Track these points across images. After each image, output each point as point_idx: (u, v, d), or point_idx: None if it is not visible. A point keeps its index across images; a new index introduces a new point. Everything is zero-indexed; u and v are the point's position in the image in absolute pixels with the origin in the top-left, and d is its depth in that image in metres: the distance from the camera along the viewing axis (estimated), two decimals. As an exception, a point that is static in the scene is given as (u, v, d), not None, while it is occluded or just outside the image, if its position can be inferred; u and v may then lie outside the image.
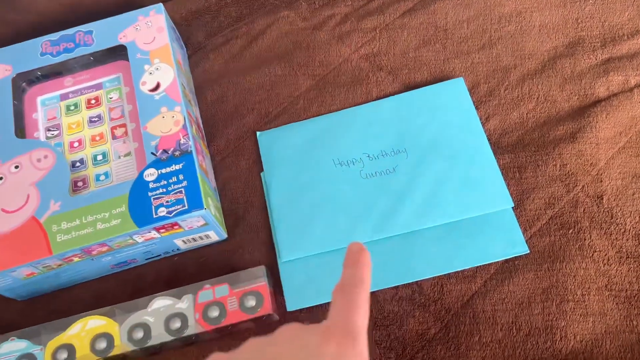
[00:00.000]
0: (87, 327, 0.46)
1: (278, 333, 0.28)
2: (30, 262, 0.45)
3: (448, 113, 0.53)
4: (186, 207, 0.45)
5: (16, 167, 0.48)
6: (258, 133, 0.55)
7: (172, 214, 0.45)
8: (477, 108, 0.53)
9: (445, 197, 0.49)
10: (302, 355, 0.26)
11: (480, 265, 0.47)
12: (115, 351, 0.45)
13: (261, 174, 0.53)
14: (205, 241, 0.50)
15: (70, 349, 0.45)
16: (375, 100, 0.55)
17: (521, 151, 0.51)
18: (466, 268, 0.47)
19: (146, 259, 0.50)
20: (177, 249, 0.50)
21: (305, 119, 0.55)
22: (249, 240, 0.51)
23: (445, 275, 0.47)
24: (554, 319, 0.44)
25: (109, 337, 0.45)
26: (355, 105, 0.55)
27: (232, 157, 0.55)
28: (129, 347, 0.45)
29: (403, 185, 0.50)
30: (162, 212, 0.45)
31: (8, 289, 0.47)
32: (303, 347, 0.26)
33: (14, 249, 0.45)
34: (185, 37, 0.60)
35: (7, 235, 0.45)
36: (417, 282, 0.47)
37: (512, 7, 0.58)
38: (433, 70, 0.56)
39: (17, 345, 0.46)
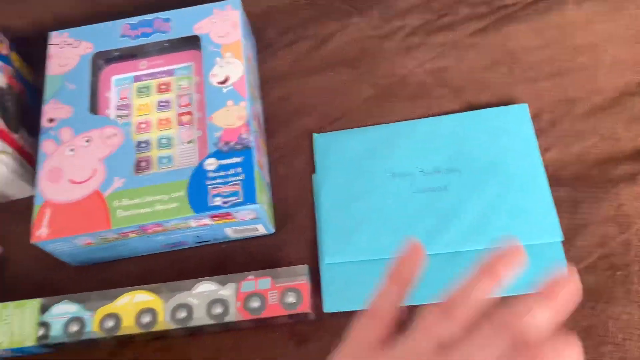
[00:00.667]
0: (134, 300, 0.48)
1: None
2: (90, 233, 0.47)
3: (508, 138, 0.53)
4: (241, 200, 0.47)
5: (87, 141, 0.51)
6: (315, 135, 0.56)
7: (227, 205, 0.47)
8: (537, 137, 0.53)
9: (494, 222, 0.49)
10: None
11: (522, 295, 0.46)
12: (158, 327, 0.47)
13: (313, 175, 0.54)
14: (253, 233, 0.52)
15: (117, 318, 0.48)
16: (435, 115, 0.56)
17: (578, 186, 0.50)
18: (506, 295, 0.47)
19: (195, 243, 0.52)
20: (226, 237, 0.52)
21: (364, 126, 0.56)
22: (294, 238, 0.52)
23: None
24: (591, 359, 0.44)
25: (153, 313, 0.48)
26: (414, 119, 0.56)
27: (288, 155, 0.56)
28: (171, 325, 0.47)
29: (453, 204, 0.50)
30: (218, 201, 0.47)
31: (65, 254, 0.50)
32: None
33: (77, 218, 0.48)
34: (256, 33, 0.62)
35: (72, 205, 0.48)
36: (455, 302, 0.47)
37: (587, 39, 0.57)
38: (497, 93, 0.56)
39: (69, 307, 0.49)
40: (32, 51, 0.60)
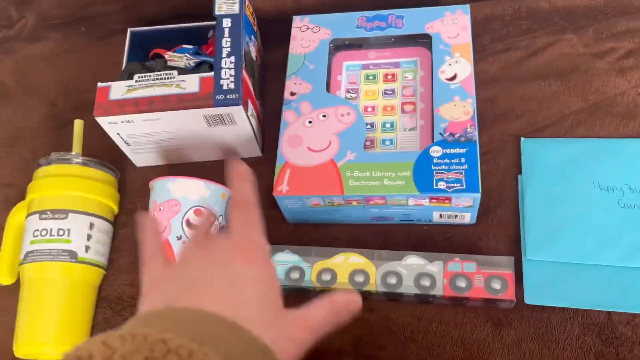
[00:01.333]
0: (349, 261, 0.55)
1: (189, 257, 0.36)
2: (323, 195, 0.54)
3: None
4: (464, 187, 0.51)
5: (324, 115, 0.58)
6: (523, 139, 0.60)
7: (451, 190, 0.51)
8: None
9: None
10: (223, 274, 0.32)
11: None
12: (369, 288, 0.53)
13: (519, 176, 0.58)
14: (457, 220, 0.56)
15: (333, 273, 0.54)
16: (644, 137, 0.57)
17: None
18: None
19: (400, 220, 0.58)
20: (430, 220, 0.57)
21: (571, 137, 0.59)
22: (495, 231, 0.56)
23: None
24: None
25: (365, 274, 0.54)
26: (622, 137, 0.58)
27: (493, 153, 0.60)
28: (381, 288, 0.53)
29: (660, 224, 0.52)
30: (442, 185, 0.52)
31: (291, 211, 0.58)
32: (222, 267, 0.33)
33: (312, 181, 0.54)
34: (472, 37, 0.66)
35: (310, 169, 0.55)
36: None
37: None
38: None
39: (290, 257, 0.56)
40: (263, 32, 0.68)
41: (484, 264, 0.52)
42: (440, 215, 0.56)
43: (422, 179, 0.53)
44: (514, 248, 0.55)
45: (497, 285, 0.51)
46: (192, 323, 0.27)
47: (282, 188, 0.55)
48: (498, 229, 0.56)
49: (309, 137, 0.57)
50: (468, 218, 0.56)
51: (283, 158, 0.56)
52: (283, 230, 0.60)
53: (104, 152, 0.63)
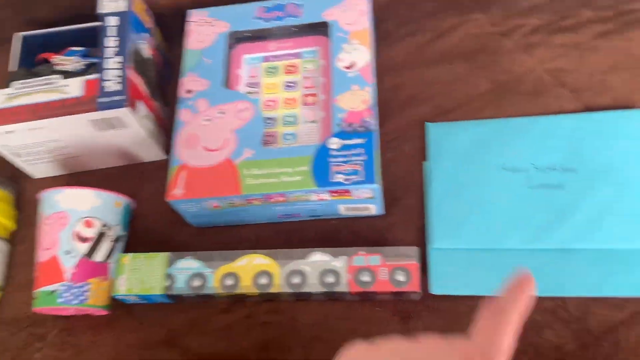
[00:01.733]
0: (253, 263, 0.52)
1: (422, 342, 0.29)
2: (221, 197, 0.51)
3: (628, 142, 0.52)
4: (362, 179, 0.49)
5: (221, 112, 0.55)
6: (428, 124, 0.58)
7: (348, 182, 0.49)
8: (659, 143, 0.52)
9: (610, 223, 0.49)
10: None
11: (633, 297, 0.47)
12: (273, 289, 0.51)
13: (424, 162, 0.56)
14: (364, 212, 0.55)
15: (236, 277, 0.52)
16: (552, 114, 0.56)
17: (699, 195, 0.50)
18: (617, 296, 0.47)
19: (309, 216, 0.56)
20: (337, 214, 0.55)
21: (478, 119, 0.58)
22: (402, 221, 0.54)
23: (592, 297, 0.47)
24: (702, 368, 0.43)
25: (270, 276, 0.51)
26: (529, 116, 0.57)
27: (398, 141, 0.58)
28: (285, 289, 0.51)
29: (567, 203, 0.51)
30: (340, 178, 0.50)
31: (192, 215, 0.55)
32: None
33: (210, 182, 0.52)
34: (376, 23, 0.64)
35: (206, 170, 0.52)
36: (562, 298, 0.48)
37: None
38: (618, 97, 0.56)
39: (192, 264, 0.53)
40: (168, 28, 0.66)
41: (389, 256, 0.51)
42: (346, 209, 0.54)
43: (320, 173, 0.50)
44: (422, 237, 0.53)
45: (401, 277, 0.49)
46: None
47: (176, 192, 0.52)
48: (405, 219, 0.55)
49: (206, 136, 0.54)
50: (374, 209, 0.54)
51: (178, 160, 0.53)
52: (186, 234, 0.58)
53: (1, 167, 0.59)
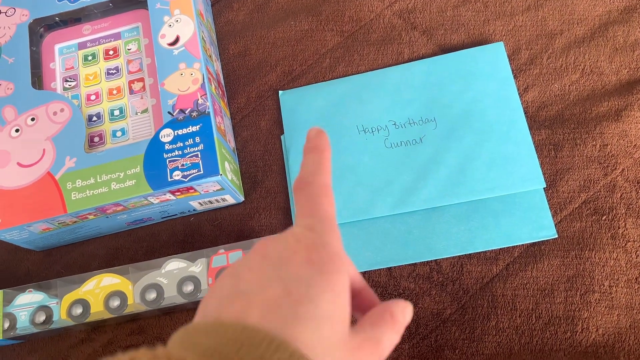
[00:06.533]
0: (101, 284, 0.46)
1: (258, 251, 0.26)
2: (46, 219, 0.44)
3: (484, 81, 0.49)
4: (202, 172, 0.44)
5: (32, 119, 0.47)
6: (280, 92, 0.53)
7: (188, 179, 0.44)
8: (515, 77, 0.49)
9: (473, 173, 0.46)
10: (277, 278, 0.24)
11: (504, 248, 0.45)
12: (129, 310, 0.45)
13: (282, 136, 0.51)
14: (222, 204, 0.49)
15: (85, 304, 0.46)
16: (407, 62, 0.52)
17: (559, 127, 0.47)
18: (489, 250, 0.45)
19: (162, 218, 0.50)
20: (193, 210, 0.50)
21: (331, 79, 0.53)
22: (265, 205, 0.50)
23: (466, 255, 0.45)
24: (577, 309, 0.42)
25: (122, 296, 0.46)
26: (384, 67, 0.52)
27: (252, 116, 0.53)
28: (142, 307, 0.45)
29: (429, 157, 0.47)
30: (177, 175, 0.44)
31: (25, 242, 0.48)
32: (284, 264, 0.24)
33: (29, 204, 0.45)
34: (208, -16, 0.57)
35: (23, 190, 0.45)
36: (436, 260, 0.45)
37: (564, -36, 0.53)
38: (471, 31, 0.52)
39: (34, 297, 0.47)
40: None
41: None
42: (201, 204, 0.48)
43: (154, 173, 0.44)
44: (288, 219, 0.49)
45: (265, 271, 0.45)
46: (236, 344, 0.21)
47: (-8, 222, 0.44)
48: (268, 202, 0.50)
49: (18, 149, 0.46)
50: (231, 199, 0.49)
51: (-12, 184, 0.45)
52: (31, 262, 0.50)
53: None
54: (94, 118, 0.49)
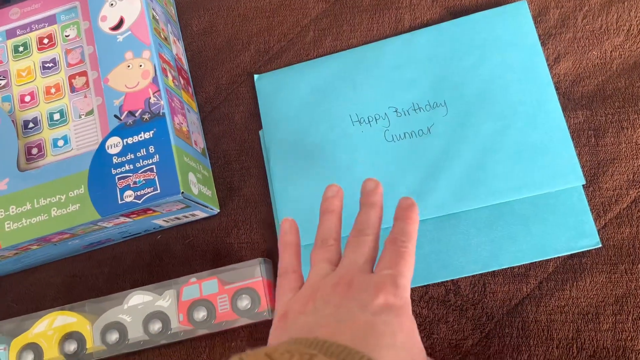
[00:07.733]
0: (54, 325, 0.39)
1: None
2: (-24, 255, 0.37)
3: (504, 52, 0.40)
4: (159, 192, 0.35)
5: (-48, 132, 0.39)
6: (256, 76, 0.43)
7: (142, 200, 0.35)
8: (543, 44, 0.40)
9: (494, 170, 0.37)
10: (358, 312, 0.27)
11: (536, 262, 0.36)
12: (87, 353, 0.38)
13: (260, 132, 0.43)
14: (192, 218, 0.41)
15: (36, 349, 0.39)
16: (408, 31, 0.42)
17: (600, 106, 0.38)
18: (517, 265, 0.37)
19: (123, 238, 0.42)
20: (159, 227, 0.42)
21: (316, 57, 0.43)
22: (245, 217, 0.41)
23: (489, 272, 0.37)
24: (628, 337, 0.34)
25: (79, 338, 0.38)
26: (381, 39, 0.43)
27: (224, 107, 0.44)
28: (103, 350, 0.38)
29: (439, 152, 0.39)
30: (129, 196, 0.35)
31: (-36, 276, 0.40)
32: (357, 303, 0.27)
33: (-44, 238, 0.37)
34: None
35: (-53, 221, 0.37)
36: (452, 280, 0.37)
37: None
38: (486, -12, 0.42)
39: (-22, 342, 0.40)
40: None
41: (230, 277, 0.38)
42: (166, 221, 0.40)
43: (101, 194, 0.36)
44: (271, 233, 0.41)
45: (246, 301, 0.37)
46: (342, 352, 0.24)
47: None
48: (247, 213, 0.41)
49: (-62, 171, 0.38)
50: (202, 213, 0.41)
51: None
52: (-26, 296, 0.43)
53: None
54: (30, 124, 0.40)
